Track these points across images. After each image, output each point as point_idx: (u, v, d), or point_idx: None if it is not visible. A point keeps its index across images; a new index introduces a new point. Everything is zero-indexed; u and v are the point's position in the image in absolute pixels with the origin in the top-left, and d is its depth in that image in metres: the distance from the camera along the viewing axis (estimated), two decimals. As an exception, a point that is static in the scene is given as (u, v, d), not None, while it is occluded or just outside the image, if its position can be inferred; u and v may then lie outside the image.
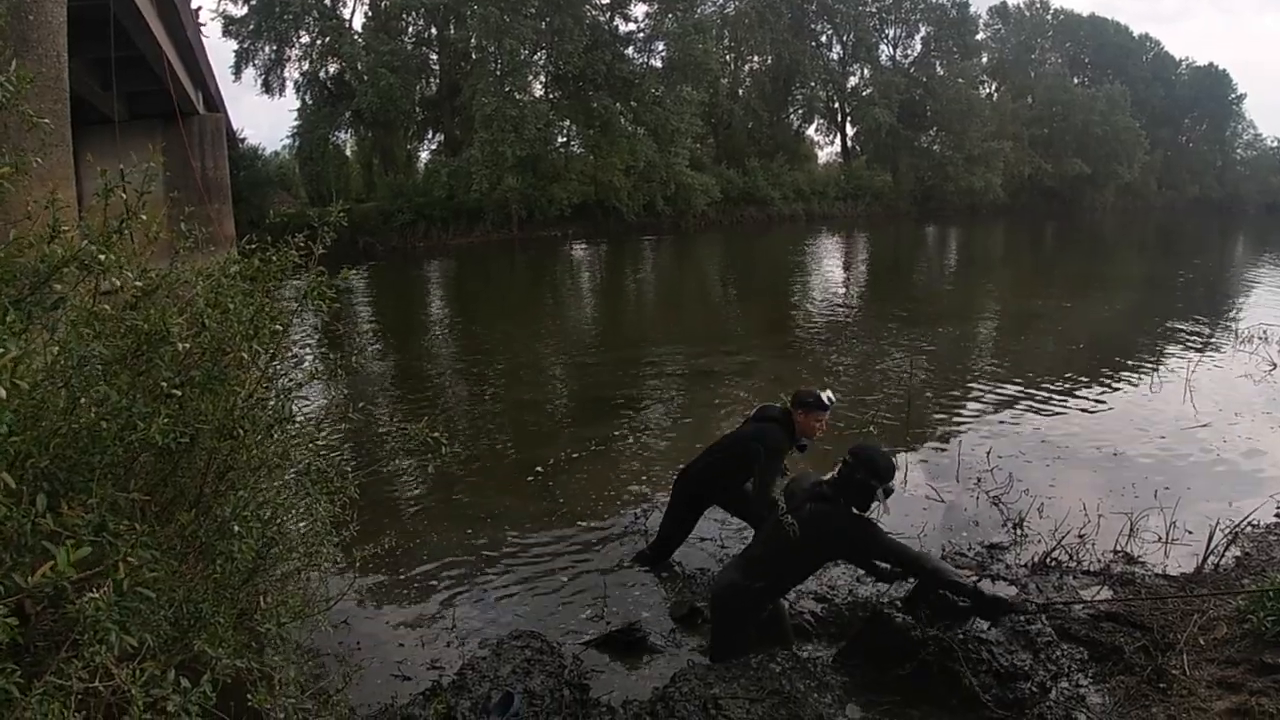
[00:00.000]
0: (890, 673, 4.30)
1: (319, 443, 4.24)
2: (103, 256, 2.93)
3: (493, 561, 6.62)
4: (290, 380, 3.82)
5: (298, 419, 3.84)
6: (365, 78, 44.18)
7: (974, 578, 5.01)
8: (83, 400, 3.07)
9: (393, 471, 8.45)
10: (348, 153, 51.64)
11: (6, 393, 2.21)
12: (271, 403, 3.68)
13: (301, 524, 4.12)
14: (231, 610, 3.62)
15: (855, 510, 4.57)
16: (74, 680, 2.46)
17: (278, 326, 3.56)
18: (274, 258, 3.83)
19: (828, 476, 4.83)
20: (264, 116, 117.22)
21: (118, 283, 3.12)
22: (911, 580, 5.08)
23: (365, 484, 4.63)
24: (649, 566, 6.43)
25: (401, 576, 6.34)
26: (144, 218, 3.50)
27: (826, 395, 5.93)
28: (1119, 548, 6.35)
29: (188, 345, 3.28)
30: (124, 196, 3.36)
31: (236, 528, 3.36)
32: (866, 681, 4.36)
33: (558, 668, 4.68)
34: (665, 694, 4.21)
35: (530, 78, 45.49)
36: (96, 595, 2.40)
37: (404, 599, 6.07)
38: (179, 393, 3.13)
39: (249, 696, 3.42)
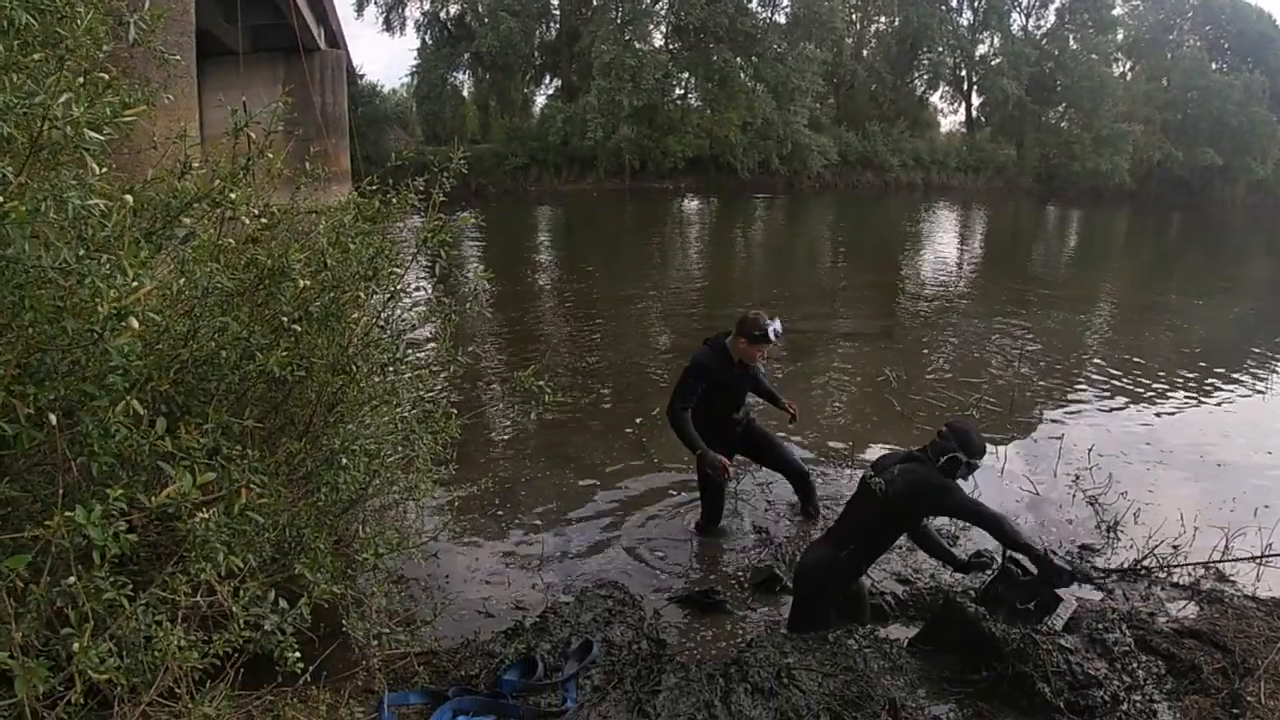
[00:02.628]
0: (966, 670, 4.32)
1: (426, 383, 4.38)
2: (233, 195, 3.05)
3: (583, 511, 6.81)
4: (404, 321, 3.96)
5: (408, 358, 3.99)
6: (486, 20, 44.66)
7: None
8: (202, 329, 3.23)
9: (493, 415, 8.67)
10: (464, 94, 52.21)
11: (140, 325, 2.33)
12: (385, 341, 3.82)
13: (402, 459, 4.27)
14: (331, 537, 3.81)
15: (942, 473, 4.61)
16: (180, 595, 2.62)
17: (395, 269, 3.69)
18: (394, 200, 3.97)
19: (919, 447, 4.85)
20: (384, 54, 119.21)
21: (246, 220, 3.25)
22: (989, 573, 5.10)
23: (466, 425, 4.78)
24: (710, 529, 6.52)
25: (494, 517, 6.56)
26: (269, 155, 3.65)
27: (773, 328, 5.91)
28: (1212, 562, 6.20)
29: (308, 282, 3.41)
30: (252, 136, 3.50)
31: (344, 460, 3.50)
32: (940, 669, 4.39)
33: (637, 620, 4.80)
34: (740, 658, 4.29)
35: (651, 27, 45.32)
36: (207, 515, 2.55)
37: (494, 539, 6.29)
38: (299, 327, 3.27)
39: (342, 622, 3.59)
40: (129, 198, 2.40)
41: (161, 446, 2.58)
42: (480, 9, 44.98)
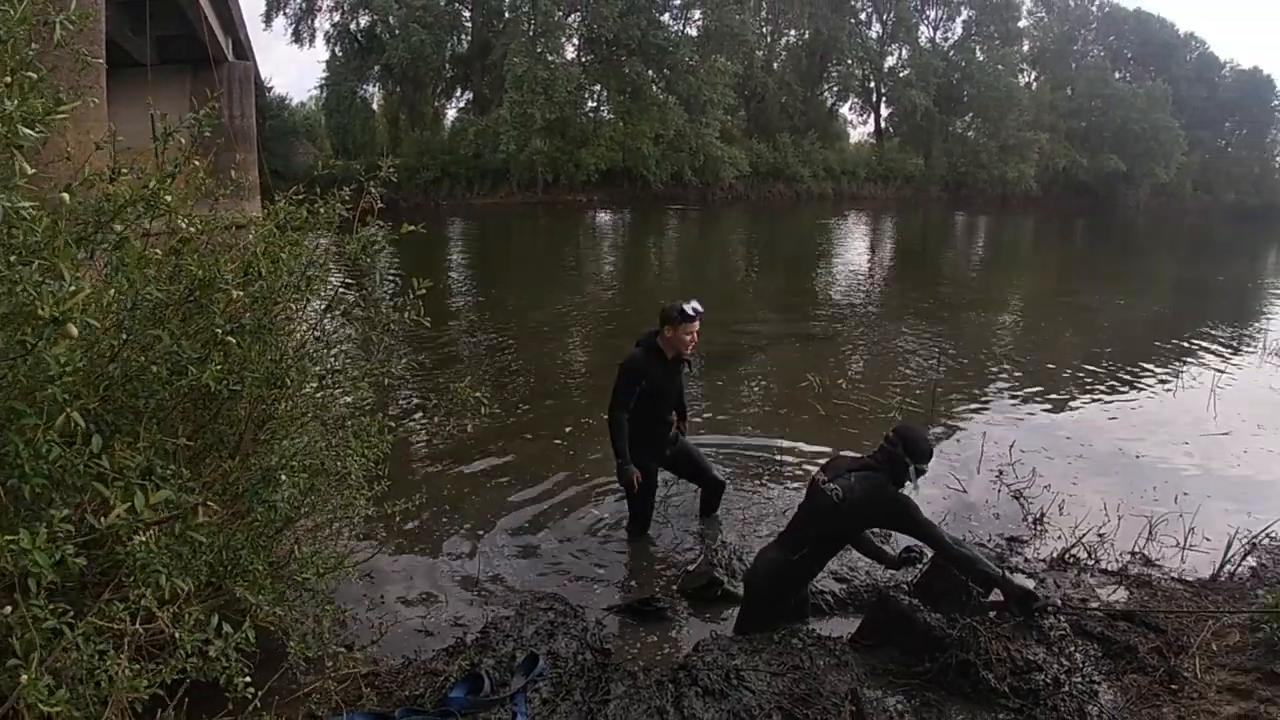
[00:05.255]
0: (910, 662, 4.37)
1: (357, 396, 4.30)
2: (168, 198, 2.95)
3: (515, 523, 6.74)
4: (338, 334, 3.87)
5: (342, 371, 3.91)
6: (396, 32, 44.25)
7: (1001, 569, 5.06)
8: (131, 343, 3.11)
9: (419, 428, 8.55)
10: (374, 106, 51.62)
11: (77, 332, 2.24)
12: (319, 353, 3.73)
13: (336, 476, 4.17)
14: (268, 558, 3.70)
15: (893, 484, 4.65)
16: (126, 622, 2.51)
17: (331, 280, 3.61)
18: (321, 210, 3.89)
19: (868, 454, 4.89)
20: (292, 66, 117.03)
21: (184, 225, 3.15)
22: (920, 567, 5.18)
23: (394, 441, 4.70)
24: (640, 536, 6.53)
25: (425, 533, 6.45)
26: (197, 164, 3.55)
27: (691, 306, 5.98)
28: (1137, 549, 6.39)
29: (240, 293, 3.31)
30: (182, 142, 3.41)
31: (283, 477, 3.40)
32: (885, 662, 4.43)
33: (580, 631, 4.80)
34: (687, 661, 4.30)
35: (563, 40, 45.30)
36: (145, 537, 2.45)
37: (427, 555, 6.18)
38: (233, 340, 3.17)
39: (291, 645, 3.49)
40: (66, 196, 2.30)
41: (95, 466, 2.47)
42: (391, 20, 44.51)
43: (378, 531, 6.00)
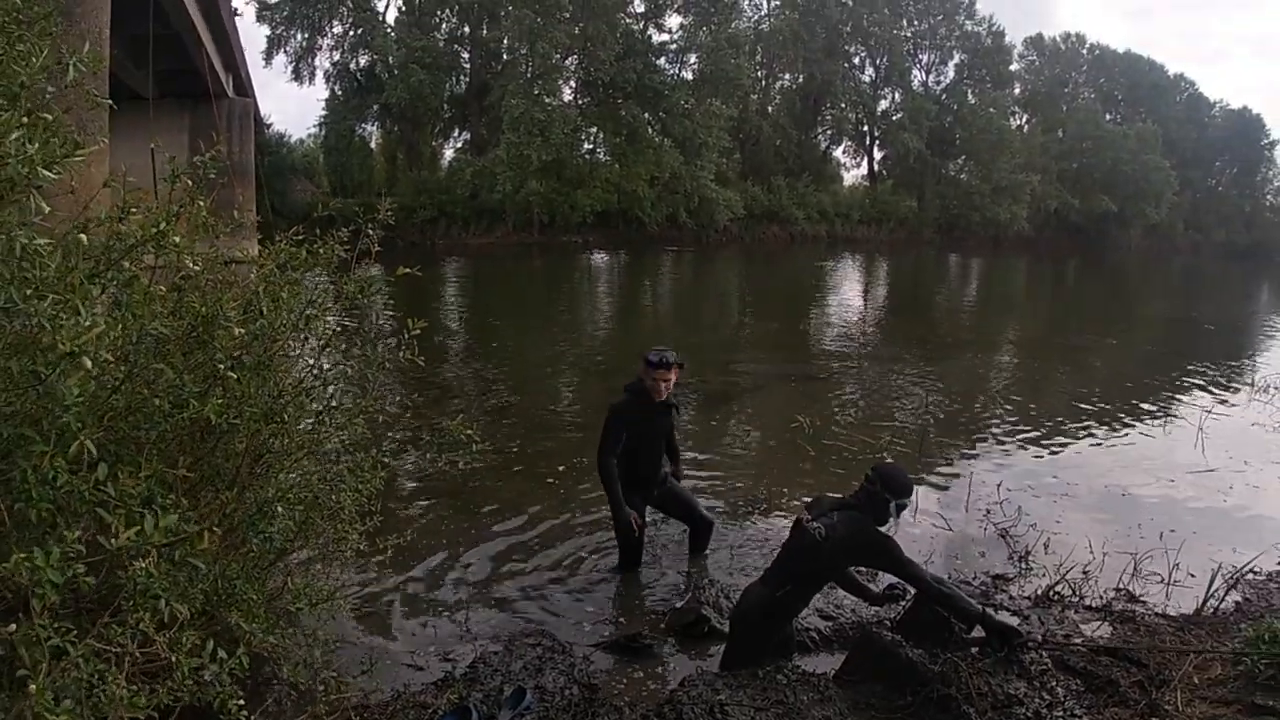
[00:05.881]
0: (892, 697, 4.43)
1: (353, 431, 4.37)
2: (176, 238, 3.05)
3: (505, 559, 6.79)
4: (336, 371, 3.96)
5: (339, 407, 3.99)
6: (396, 72, 44.75)
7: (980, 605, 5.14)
8: (136, 376, 3.20)
9: (410, 464, 8.63)
10: (373, 145, 52.02)
11: (91, 365, 2.33)
12: (317, 390, 3.82)
13: (329, 511, 4.25)
14: (262, 588, 3.77)
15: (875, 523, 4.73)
16: (117, 645, 2.58)
17: (329, 318, 3.71)
18: (320, 250, 3.99)
19: (849, 494, 4.97)
20: (292, 104, 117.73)
21: (192, 265, 3.25)
22: (904, 604, 5.27)
23: (385, 477, 4.78)
24: (628, 571, 6.61)
25: (415, 567, 6.50)
26: (201, 203, 3.66)
27: (655, 353, 6.14)
28: (1122, 585, 6.46)
29: (241, 330, 3.41)
30: (189, 182, 3.52)
31: (280, 509, 3.48)
32: (867, 697, 4.49)
33: (568, 666, 4.84)
34: (673, 697, 4.35)
35: (560, 82, 45.73)
36: (145, 563, 2.52)
37: (417, 589, 6.22)
38: (235, 375, 3.26)
39: (285, 671, 3.56)
40: (84, 237, 2.41)
41: (100, 494, 2.55)
42: (391, 61, 45.08)
43: (369, 565, 6.05)
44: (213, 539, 2.70)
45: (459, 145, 52.93)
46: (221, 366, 3.23)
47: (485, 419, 10.78)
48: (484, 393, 12.59)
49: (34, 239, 2.35)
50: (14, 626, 2.32)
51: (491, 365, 14.61)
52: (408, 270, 3.98)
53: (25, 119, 2.41)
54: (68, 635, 2.40)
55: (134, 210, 3.04)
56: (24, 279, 2.34)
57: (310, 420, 3.96)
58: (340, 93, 49.05)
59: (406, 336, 3.87)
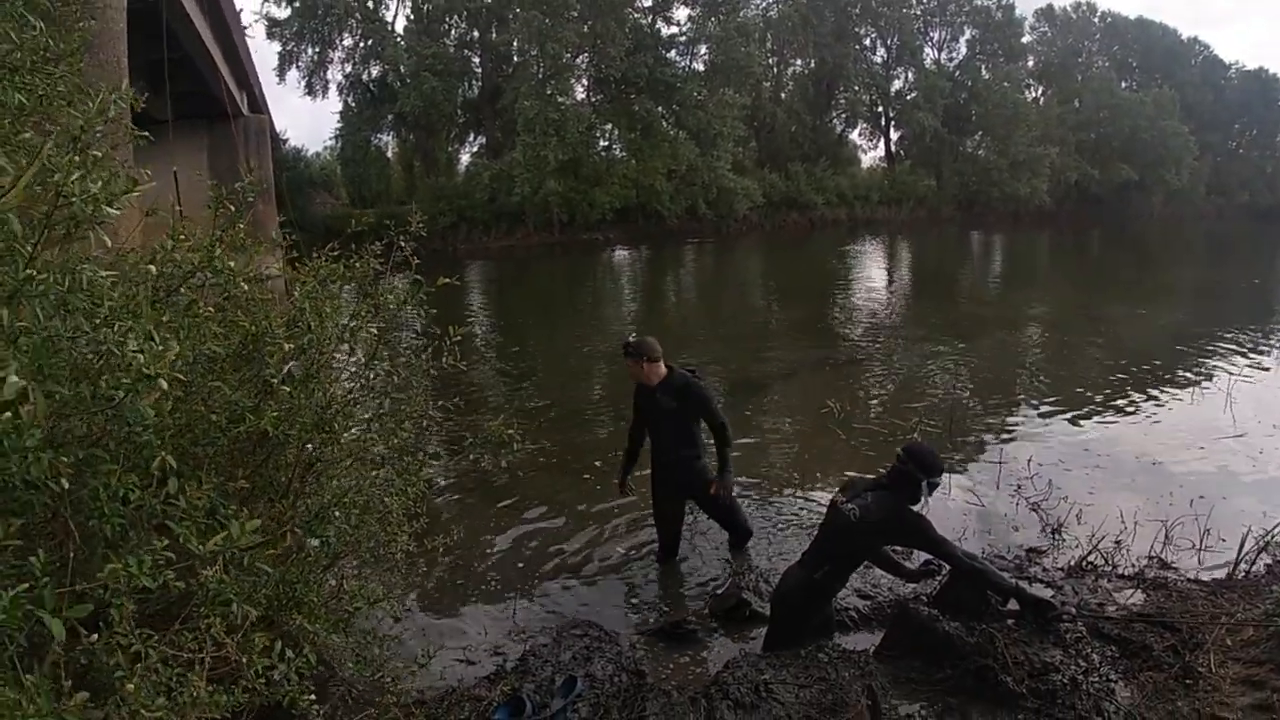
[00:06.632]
0: (931, 670, 4.55)
1: (397, 439, 4.51)
2: (231, 263, 3.20)
3: (546, 555, 6.95)
4: (380, 380, 4.10)
5: (387, 413, 4.13)
6: (408, 80, 44.83)
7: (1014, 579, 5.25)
8: (194, 394, 3.35)
9: (453, 467, 8.79)
10: (389, 155, 52.24)
11: (168, 386, 2.47)
12: (367, 399, 3.96)
13: (379, 514, 4.40)
14: (321, 591, 3.93)
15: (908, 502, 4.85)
16: (207, 645, 2.72)
17: (372, 329, 3.85)
18: (357, 265, 4.14)
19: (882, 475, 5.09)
20: (306, 118, 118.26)
21: (245, 287, 3.40)
22: (940, 579, 5.39)
23: (428, 478, 4.94)
24: (669, 560, 6.77)
25: (460, 566, 6.67)
26: (241, 226, 3.82)
27: (626, 340, 6.39)
28: (1154, 553, 6.54)
29: (291, 345, 3.56)
30: (231, 207, 3.68)
31: (337, 513, 3.62)
32: (907, 671, 4.61)
33: (616, 654, 4.98)
34: (719, 678, 4.48)
35: (572, 81, 45.69)
36: (212, 570, 2.67)
37: (463, 587, 6.40)
38: (287, 388, 3.41)
39: (350, 667, 3.71)
40: (152, 268, 2.55)
41: (170, 507, 2.69)
42: (402, 69, 45.18)
43: (418, 566, 6.22)
44: (282, 543, 2.83)
45: (475, 150, 53.01)
46: (275, 381, 3.37)
47: (518, 418, 10.91)
48: (514, 391, 12.76)
49: (97, 271, 2.49)
50: (95, 636, 2.46)
51: (521, 365, 14.80)
52: (446, 280, 4.12)
53: (77, 156, 2.56)
54: (148, 640, 2.55)
55: (183, 237, 3.19)
56: (92, 308, 2.49)
57: (358, 428, 4.11)
58: (354, 104, 49.21)
59: (448, 343, 4.01)
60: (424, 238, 4.25)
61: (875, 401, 11.89)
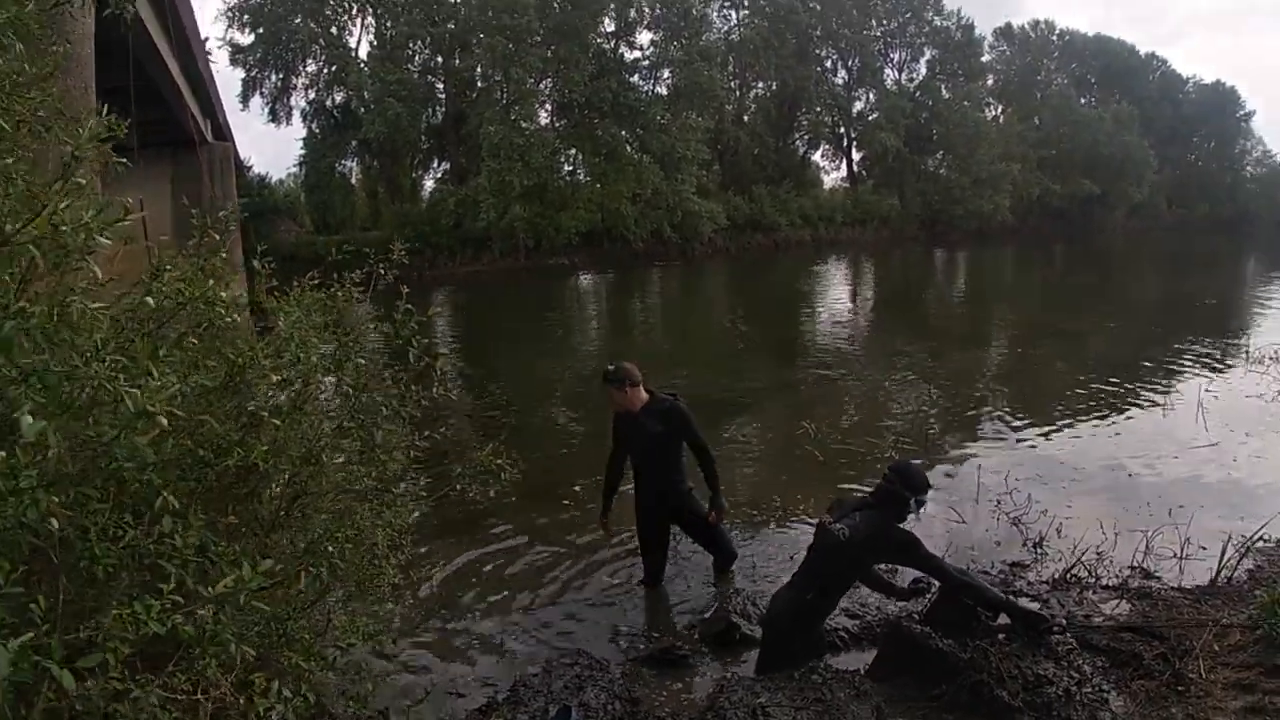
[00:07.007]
0: (926, 687, 4.54)
1: (387, 469, 4.45)
2: (224, 294, 3.15)
3: (531, 583, 6.91)
4: (376, 409, 4.04)
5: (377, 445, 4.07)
6: (372, 106, 44.59)
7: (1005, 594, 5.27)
8: (180, 428, 3.28)
9: (429, 497, 8.71)
10: (353, 181, 52.00)
11: (166, 422, 2.42)
12: (355, 430, 3.90)
13: (366, 546, 4.33)
14: (311, 629, 3.86)
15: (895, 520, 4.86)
16: (212, 685, 2.66)
17: (360, 360, 3.80)
18: (339, 294, 4.09)
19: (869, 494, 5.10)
20: (270, 145, 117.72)
21: (237, 319, 3.34)
22: (929, 597, 5.40)
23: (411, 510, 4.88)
24: (655, 586, 6.74)
25: (444, 597, 6.62)
26: (224, 255, 3.76)
27: (606, 368, 6.43)
28: (1136, 563, 6.62)
29: (278, 376, 3.50)
30: (215, 235, 3.63)
31: (330, 548, 3.56)
32: (902, 690, 4.60)
33: (608, 683, 4.93)
34: (715, 704, 4.45)
35: (536, 106, 45.71)
36: (207, 610, 2.60)
37: (448, 619, 6.33)
38: (278, 421, 3.35)
39: (348, 705, 3.64)
40: (150, 300, 2.50)
41: (161, 546, 2.62)
42: (366, 95, 44.94)
43: (404, 598, 6.15)
44: (296, 583, 2.78)
45: (439, 175, 52.82)
46: (265, 414, 3.31)
47: (497, 446, 10.83)
48: (488, 420, 12.66)
49: (87, 304, 2.44)
50: (90, 682, 2.40)
51: (492, 392, 14.69)
52: (437, 310, 4.09)
53: (60, 184, 2.50)
54: (148, 686, 2.48)
55: (169, 268, 3.13)
56: (76, 344, 2.42)
57: (343, 458, 4.04)
58: (318, 131, 49.02)
59: (437, 373, 3.98)
60: (388, 264, 4.20)
61: (850, 421, 11.94)
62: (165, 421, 2.34)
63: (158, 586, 2.40)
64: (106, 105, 3.33)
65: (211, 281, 3.10)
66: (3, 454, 2.07)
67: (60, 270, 2.43)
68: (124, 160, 3.73)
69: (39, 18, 3.26)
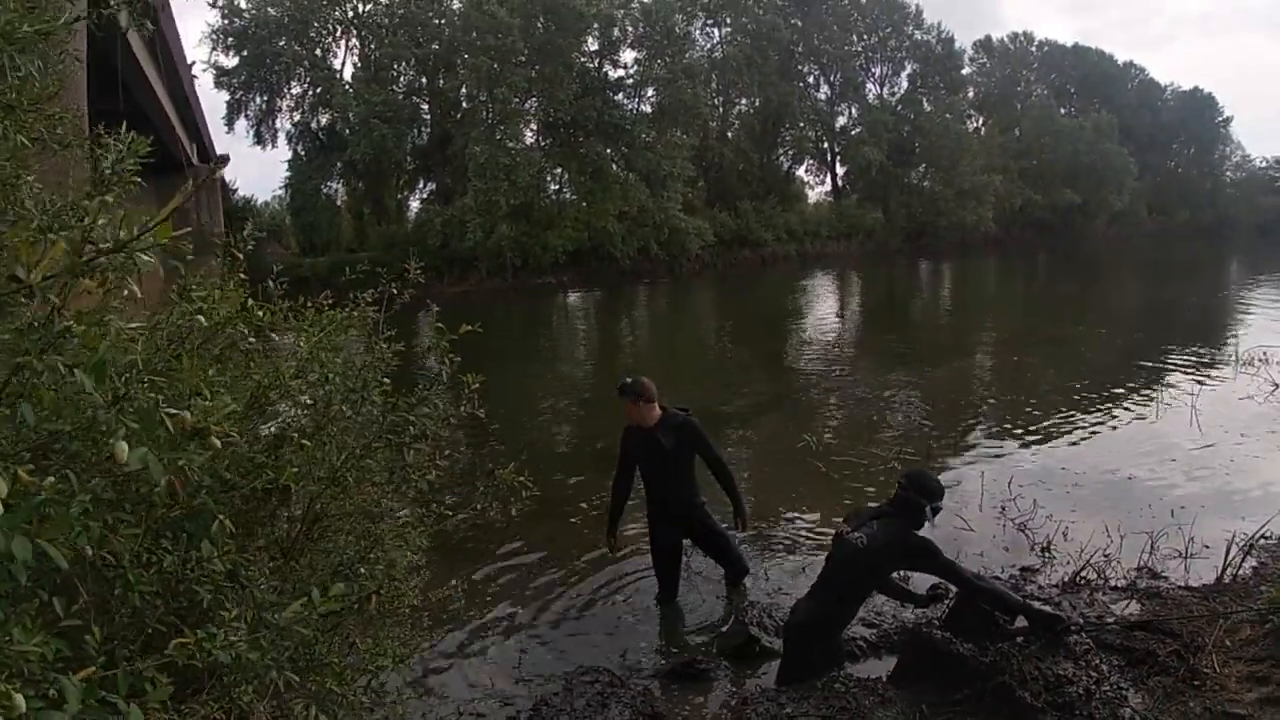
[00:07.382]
0: (948, 692, 4.57)
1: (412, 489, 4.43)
2: (261, 314, 3.16)
3: (545, 601, 6.89)
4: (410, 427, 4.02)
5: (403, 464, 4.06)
6: (357, 128, 44.47)
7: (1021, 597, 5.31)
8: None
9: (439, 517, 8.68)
10: (339, 203, 51.88)
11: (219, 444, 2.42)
12: (382, 451, 3.89)
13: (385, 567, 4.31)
14: (342, 652, 3.84)
15: (912, 527, 4.90)
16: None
17: (384, 379, 3.80)
18: (354, 314, 4.10)
19: (884, 502, 5.15)
20: (255, 168, 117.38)
21: (275, 337, 3.34)
22: (948, 602, 5.43)
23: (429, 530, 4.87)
24: (669, 602, 6.72)
25: (465, 618, 6.59)
26: (244, 276, 3.77)
27: (622, 383, 6.50)
28: (1142, 564, 6.71)
29: (307, 398, 3.50)
30: (239, 255, 3.65)
31: (362, 569, 3.54)
32: (925, 695, 4.62)
33: (631, 699, 4.93)
34: (741, 715, 4.47)
35: (522, 125, 45.78)
36: (236, 637, 2.56)
37: (465, 639, 6.31)
38: (309, 442, 3.35)
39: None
40: (202, 319, 2.50)
41: (198, 572, 2.62)
42: (351, 117, 44.86)
43: (422, 619, 6.13)
44: (368, 606, 2.77)
45: (425, 196, 52.79)
46: (295, 435, 3.31)
47: (500, 465, 10.80)
48: (490, 438, 12.63)
49: (126, 323, 2.44)
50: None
51: (492, 411, 14.63)
52: (469, 328, 4.10)
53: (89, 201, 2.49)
54: (191, 717, 2.47)
55: (194, 288, 3.13)
56: (119, 363, 2.41)
57: (389, 481, 4.03)
58: (303, 153, 48.87)
59: (467, 390, 3.98)
60: (376, 284, 4.20)
61: (848, 433, 11.97)
62: (219, 443, 2.34)
63: (212, 613, 2.38)
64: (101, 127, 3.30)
65: (249, 301, 3.11)
66: (51, 480, 2.05)
67: (105, 289, 2.42)
68: (138, 180, 3.74)
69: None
